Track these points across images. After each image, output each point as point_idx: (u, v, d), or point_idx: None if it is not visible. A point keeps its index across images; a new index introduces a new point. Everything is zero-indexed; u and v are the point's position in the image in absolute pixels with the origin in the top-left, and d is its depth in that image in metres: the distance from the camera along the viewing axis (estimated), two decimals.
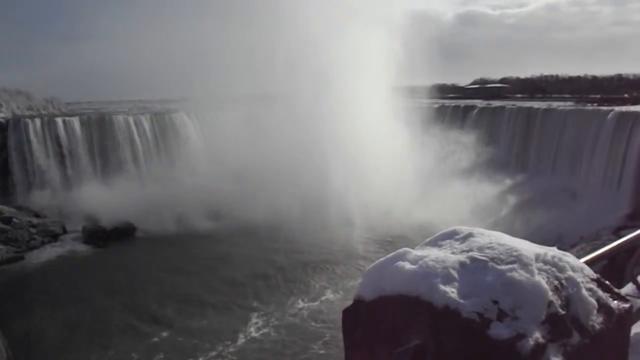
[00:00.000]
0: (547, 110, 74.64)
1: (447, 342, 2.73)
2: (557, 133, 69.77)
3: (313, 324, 37.01)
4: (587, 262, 4.09)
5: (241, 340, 35.06)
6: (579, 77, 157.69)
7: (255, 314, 38.99)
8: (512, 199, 65.80)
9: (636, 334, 5.71)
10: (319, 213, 59.30)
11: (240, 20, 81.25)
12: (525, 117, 76.27)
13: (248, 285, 44.60)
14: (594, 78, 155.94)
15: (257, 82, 76.15)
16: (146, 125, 73.40)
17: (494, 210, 64.12)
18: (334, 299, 40.50)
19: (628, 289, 6.09)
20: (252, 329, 36.58)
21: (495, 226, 52.93)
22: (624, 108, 67.97)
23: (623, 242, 4.91)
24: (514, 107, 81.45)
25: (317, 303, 40.53)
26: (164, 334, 36.16)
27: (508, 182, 69.74)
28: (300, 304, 40.66)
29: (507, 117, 79.00)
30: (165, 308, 40.29)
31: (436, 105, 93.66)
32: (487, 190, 68.63)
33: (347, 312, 3.33)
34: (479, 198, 66.78)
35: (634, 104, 76.23)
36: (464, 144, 76.90)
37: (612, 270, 5.06)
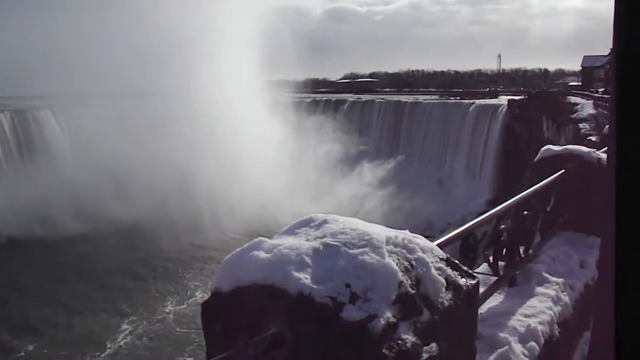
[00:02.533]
0: (415, 104, 78.37)
1: (303, 328, 2.74)
2: (424, 125, 73.55)
3: (183, 329, 35.99)
4: (441, 244, 4.28)
5: (109, 349, 33.53)
6: (442, 72, 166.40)
7: (125, 320, 37.43)
8: (383, 189, 68.71)
9: (489, 308, 6.12)
10: (192, 211, 58.09)
11: (102, 15, 77.78)
12: (394, 110, 79.54)
13: (118, 289, 42.51)
14: (456, 73, 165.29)
15: (127, 78, 73.03)
16: (5, 124, 68.29)
17: (367, 199, 66.57)
18: (205, 299, 39.69)
19: (484, 268, 6.50)
20: (120, 337, 35.10)
21: (366, 215, 54.91)
22: (483, 101, 72.81)
23: (472, 224, 5.20)
24: (383, 100, 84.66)
25: (185, 305, 39.42)
26: (30, 347, 33.82)
27: (380, 172, 72.59)
28: (170, 307, 39.46)
29: (377, 110, 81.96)
30: (30, 319, 37.53)
31: (309, 100, 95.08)
32: (360, 180, 71.09)
33: (205, 306, 3.26)
34: (352, 188, 68.85)
35: (493, 97, 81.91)
36: (337, 137, 78.82)
37: (468, 251, 5.35)
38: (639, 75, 1.71)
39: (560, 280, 7.13)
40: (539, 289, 6.80)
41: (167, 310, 38.79)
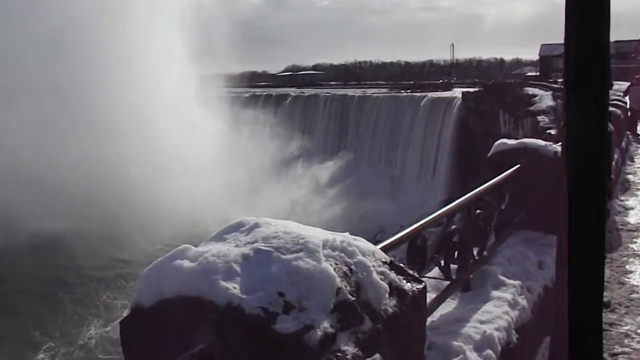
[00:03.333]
0: (362, 98, 78.93)
1: (233, 342, 2.74)
2: (373, 121, 74.19)
3: (106, 355, 34.76)
4: (386, 247, 4.33)
5: None
6: (392, 63, 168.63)
7: (40, 350, 35.84)
8: (331, 191, 69.26)
9: (441, 315, 6.22)
10: (117, 220, 56.85)
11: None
12: (340, 105, 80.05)
13: (30, 313, 40.27)
14: (407, 64, 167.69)
15: (40, 71, 70.63)
16: None
17: (310, 203, 66.92)
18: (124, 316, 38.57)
19: (435, 272, 6.59)
20: None
21: (310, 221, 55.08)
22: (436, 94, 74.02)
23: (420, 225, 5.28)
24: (328, 94, 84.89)
25: (109, 328, 37.58)
26: None
27: (325, 173, 73.08)
28: (92, 331, 38.03)
29: (321, 105, 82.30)
30: None
31: (247, 95, 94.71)
32: (303, 182, 71.43)
33: (125, 324, 3.21)
34: (294, 191, 69.01)
35: (446, 89, 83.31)
36: (278, 135, 78.80)
37: (416, 254, 5.42)
38: (589, 66, 1.77)
39: (517, 282, 7.31)
40: (495, 293, 6.95)
41: (88, 335, 37.48)
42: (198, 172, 65.40)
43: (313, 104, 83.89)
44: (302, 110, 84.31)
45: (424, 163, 65.84)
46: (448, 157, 62.35)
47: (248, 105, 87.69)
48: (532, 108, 45.75)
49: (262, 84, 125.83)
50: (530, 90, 56.64)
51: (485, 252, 7.64)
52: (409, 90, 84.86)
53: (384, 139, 71.83)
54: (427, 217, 5.66)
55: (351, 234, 3.53)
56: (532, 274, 7.95)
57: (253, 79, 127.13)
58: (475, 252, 7.30)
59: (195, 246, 3.23)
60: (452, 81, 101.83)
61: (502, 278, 7.31)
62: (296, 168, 74.56)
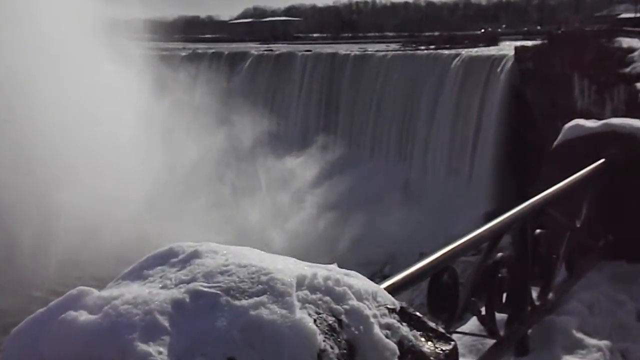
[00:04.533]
0: (361, 58, 79.33)
1: None
2: (377, 93, 74.78)
3: None
4: (395, 286, 4.33)
5: None
6: (406, 4, 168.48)
7: None
8: (312, 200, 69.81)
9: None
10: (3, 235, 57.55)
11: None
12: (327, 69, 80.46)
13: None
14: (430, 5, 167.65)
15: None
16: None
17: (284, 219, 66.99)
18: None
19: (472, 324, 6.59)
20: None
21: (283, 246, 55.32)
22: (475, 51, 74.24)
23: (448, 251, 5.28)
24: (309, 53, 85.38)
25: None
26: None
27: (305, 173, 73.38)
28: None
29: (298, 70, 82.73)
30: None
31: (185, 53, 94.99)
32: (271, 186, 71.81)
33: None
34: (260, 201, 69.07)
35: (490, 43, 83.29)
36: (233, 114, 78.69)
37: (442, 296, 5.43)
38: None
39: (604, 343, 7.30)
40: (568, 359, 6.92)
41: None
42: (113, 172, 65.22)
43: (285, 68, 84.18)
44: (269, 78, 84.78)
45: (456, 157, 66.36)
46: (492, 148, 62.85)
47: (187, 69, 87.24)
48: (627, 70, 45.69)
49: (208, 36, 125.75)
50: (626, 43, 56.14)
51: (550, 295, 7.64)
52: (433, 47, 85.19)
53: (395, 120, 72.29)
54: (459, 239, 5.63)
55: (342, 266, 3.52)
56: (629, 330, 7.86)
57: (193, 29, 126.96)
58: (535, 295, 7.31)
59: (99, 288, 3.21)
60: (500, 30, 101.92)
61: (580, 335, 7.26)
62: (259, 165, 74.71)
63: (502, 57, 67.24)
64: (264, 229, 65.53)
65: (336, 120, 77.38)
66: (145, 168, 67.66)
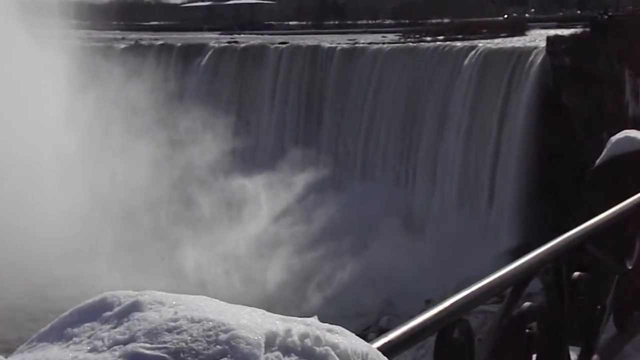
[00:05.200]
0: (349, 52, 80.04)
1: None
2: (370, 97, 75.07)
3: None
4: (392, 345, 4.30)
5: None
6: None
7: None
8: (286, 231, 69.83)
9: None
10: None
11: None
12: (307, 67, 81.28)
13: None
14: None
15: None
16: None
17: (248, 256, 66.89)
18: None
19: None
20: None
21: (248, 295, 55.08)
22: (495, 43, 74.33)
23: (461, 299, 5.26)
24: (284, 46, 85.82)
25: None
26: None
27: (280, 197, 73.23)
28: None
29: (271, 67, 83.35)
30: None
31: (124, 45, 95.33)
32: (233, 215, 72.00)
33: None
34: (220, 234, 68.93)
35: (514, 32, 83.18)
36: (185, 124, 78.76)
37: (451, 358, 5.41)
38: None
39: None
40: None
41: None
42: (38, 198, 65.34)
43: (254, 65, 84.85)
44: (234, 77, 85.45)
45: (471, 178, 66.31)
46: (518, 167, 62.65)
47: (124, 66, 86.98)
48: None
49: (154, 23, 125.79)
50: None
51: (595, 357, 7.62)
52: (441, 38, 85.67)
53: (393, 132, 72.51)
54: (475, 284, 5.61)
55: (324, 319, 3.47)
56: None
57: (135, 14, 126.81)
58: (574, 357, 7.27)
59: (5, 357, 3.15)
60: (528, 16, 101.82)
61: None
62: (216, 189, 74.78)
63: (530, 51, 67.15)
64: (236, 263, 65.49)
65: (319, 131, 77.72)
66: (64, 189, 67.71)
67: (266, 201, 73.32)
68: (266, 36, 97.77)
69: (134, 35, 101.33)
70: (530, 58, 65.85)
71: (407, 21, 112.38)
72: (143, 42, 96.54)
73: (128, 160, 74.94)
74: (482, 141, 65.61)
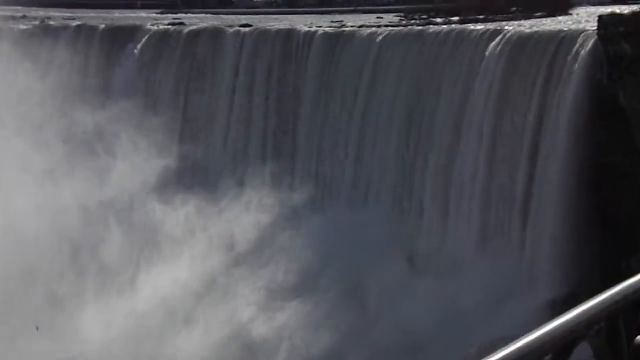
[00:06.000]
0: (334, 38, 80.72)
1: None
2: (362, 96, 75.46)
3: None
4: None
5: None
6: None
7: None
8: (250, 278, 69.21)
9: None
10: None
11: None
12: (279, 58, 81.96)
13: None
14: None
15: None
16: None
17: (195, 318, 66.51)
18: None
19: None
20: None
21: None
22: (527, 24, 74.30)
23: None
24: (247, 30, 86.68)
25: None
26: None
27: (239, 230, 73.35)
28: None
29: (230, 57, 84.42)
30: None
31: (25, 25, 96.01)
32: (174, 252, 71.53)
33: None
34: (124, 291, 68.64)
35: (555, 11, 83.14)
36: (110, 132, 78.68)
37: None
38: None
39: None
40: None
41: None
42: None
43: (207, 54, 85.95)
44: (178, 70, 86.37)
45: (497, 204, 65.56)
46: (560, 189, 61.82)
47: (24, 55, 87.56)
48: None
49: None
50: None
51: None
52: (455, 19, 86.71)
53: (392, 143, 72.55)
54: (504, 348, 5.47)
55: None
56: None
57: None
58: None
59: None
60: None
61: None
62: (147, 223, 74.70)
63: (576, 35, 66.40)
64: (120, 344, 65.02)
65: (294, 141, 77.85)
66: None
67: (221, 235, 72.94)
68: (222, 16, 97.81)
69: (40, 13, 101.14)
70: (576, 45, 65.10)
71: None
72: (52, 23, 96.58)
73: (31, 186, 74.88)
74: (512, 156, 64.75)
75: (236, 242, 72.33)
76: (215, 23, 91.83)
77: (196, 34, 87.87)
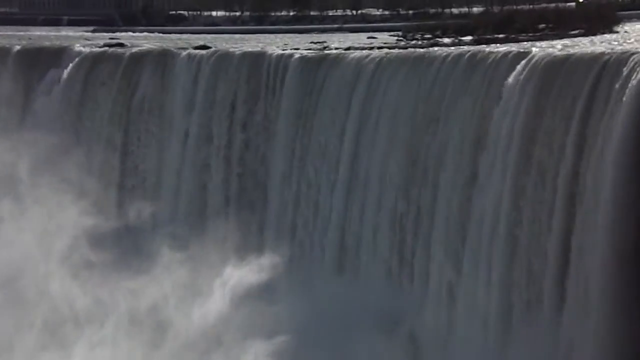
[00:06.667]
0: (315, 63, 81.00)
1: None
2: (350, 133, 75.61)
3: None
4: None
5: None
6: None
7: None
8: None
9: None
10: None
11: None
12: (244, 85, 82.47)
13: None
14: None
15: None
16: None
17: None
18: None
19: None
20: None
21: None
22: (559, 45, 73.90)
23: None
24: (204, 53, 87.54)
25: None
26: None
27: (194, 306, 72.10)
28: None
29: (181, 87, 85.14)
30: None
31: None
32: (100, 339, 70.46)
33: None
34: None
35: (597, 28, 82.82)
36: (24, 175, 78.28)
37: None
38: None
39: None
40: None
41: None
42: None
43: (154, 82, 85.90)
44: (116, 100, 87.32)
45: (524, 265, 64.65)
46: (608, 246, 60.87)
47: None
48: None
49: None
50: None
51: None
52: (469, 38, 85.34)
53: (388, 189, 72.09)
54: None
55: None
56: None
57: None
58: None
59: None
60: (620, 1, 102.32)
61: None
62: (65, 298, 73.33)
63: (624, 59, 66.21)
64: None
65: (265, 190, 76.92)
66: None
67: (167, 314, 72.18)
68: (172, 36, 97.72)
69: None
70: (625, 71, 64.68)
71: (410, 12, 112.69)
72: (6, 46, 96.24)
73: None
74: (543, 205, 63.86)
75: (189, 319, 70.95)
76: (164, 44, 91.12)
77: (139, 58, 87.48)
